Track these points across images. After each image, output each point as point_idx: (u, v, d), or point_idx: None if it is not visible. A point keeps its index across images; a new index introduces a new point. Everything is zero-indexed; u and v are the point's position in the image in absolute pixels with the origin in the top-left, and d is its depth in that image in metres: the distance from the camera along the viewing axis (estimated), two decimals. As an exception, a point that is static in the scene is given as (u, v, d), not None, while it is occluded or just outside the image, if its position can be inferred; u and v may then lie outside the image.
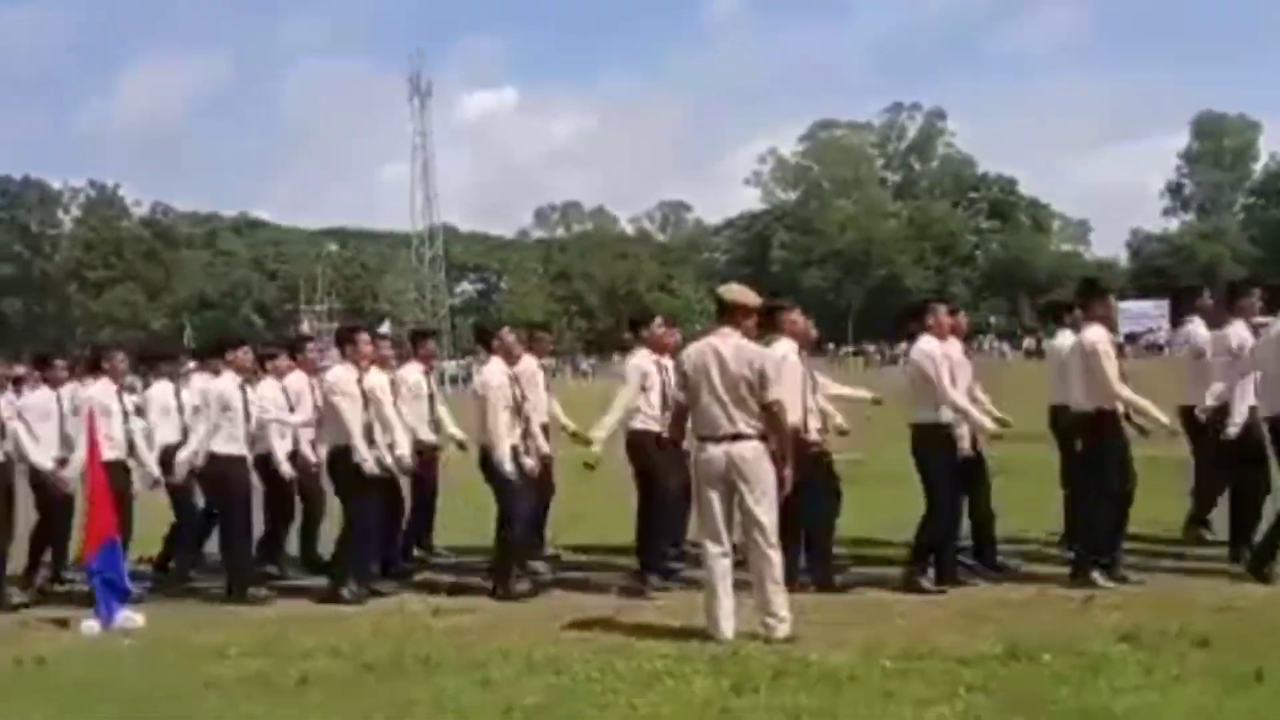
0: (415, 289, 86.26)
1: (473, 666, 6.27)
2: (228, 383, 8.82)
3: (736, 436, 6.59)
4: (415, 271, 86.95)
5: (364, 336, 8.61)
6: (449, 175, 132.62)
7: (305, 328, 57.21)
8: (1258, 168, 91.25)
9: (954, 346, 8.15)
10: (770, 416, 6.62)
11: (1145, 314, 66.78)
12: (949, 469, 7.87)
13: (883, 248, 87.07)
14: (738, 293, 6.90)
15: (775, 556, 6.57)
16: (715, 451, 6.64)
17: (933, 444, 7.85)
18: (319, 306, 73.17)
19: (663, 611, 7.36)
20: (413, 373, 9.45)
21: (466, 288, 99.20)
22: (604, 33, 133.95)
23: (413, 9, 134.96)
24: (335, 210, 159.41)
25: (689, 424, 6.91)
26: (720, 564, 6.66)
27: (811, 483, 7.40)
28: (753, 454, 6.60)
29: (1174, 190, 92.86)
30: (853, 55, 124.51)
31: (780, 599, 6.55)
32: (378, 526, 8.54)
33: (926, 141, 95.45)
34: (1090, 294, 8.07)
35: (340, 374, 8.37)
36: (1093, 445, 7.79)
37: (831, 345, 72.39)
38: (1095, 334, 7.76)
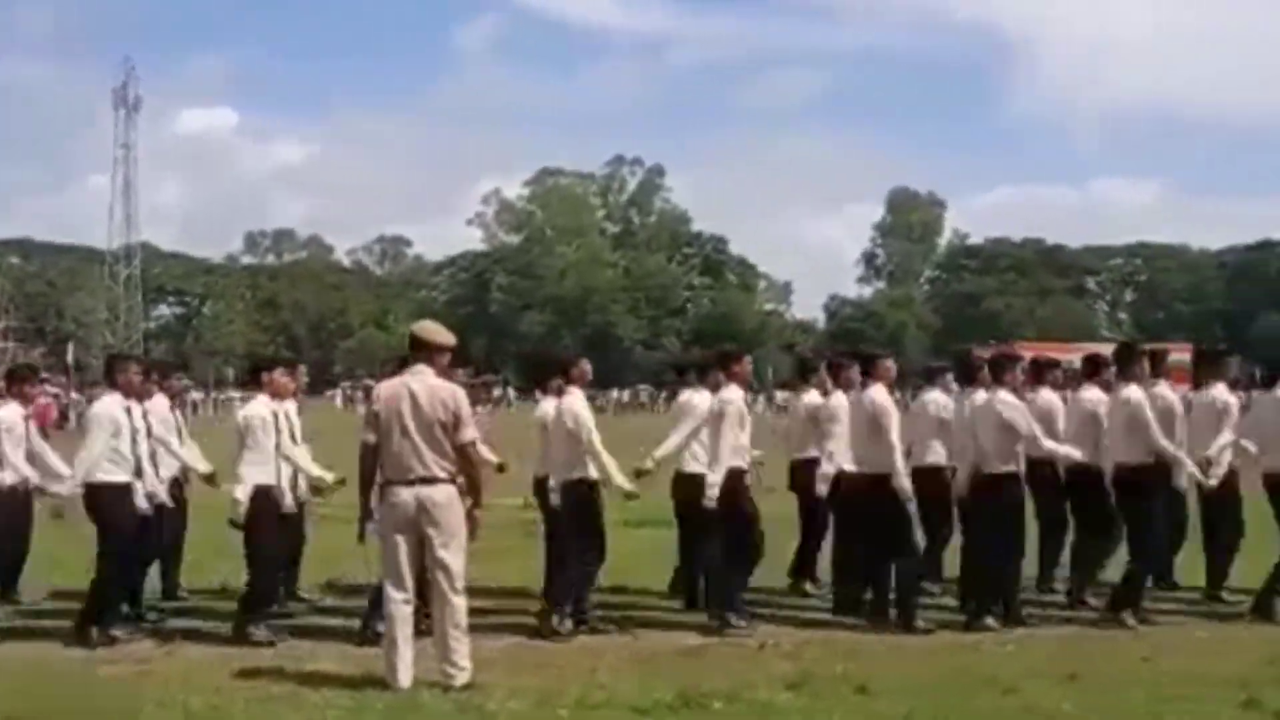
0: (108, 309, 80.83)
1: (125, 716, 5.84)
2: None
3: (427, 479, 6.45)
4: (109, 290, 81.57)
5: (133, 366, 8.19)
6: (156, 193, 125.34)
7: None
8: (942, 243, 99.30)
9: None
10: (464, 458, 6.52)
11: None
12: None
13: (599, 296, 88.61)
14: (432, 330, 6.76)
15: (459, 603, 6.45)
16: (405, 495, 6.45)
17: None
18: (-7, 324, 67.23)
19: (343, 660, 7.08)
20: (161, 406, 8.80)
21: (165, 311, 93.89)
22: (335, 58, 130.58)
23: (132, 19, 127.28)
24: (23, 222, 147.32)
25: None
26: (401, 610, 6.47)
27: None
28: (444, 498, 6.46)
29: (869, 259, 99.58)
30: (588, 105, 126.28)
31: (461, 647, 6.42)
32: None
33: (645, 196, 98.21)
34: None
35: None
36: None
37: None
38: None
